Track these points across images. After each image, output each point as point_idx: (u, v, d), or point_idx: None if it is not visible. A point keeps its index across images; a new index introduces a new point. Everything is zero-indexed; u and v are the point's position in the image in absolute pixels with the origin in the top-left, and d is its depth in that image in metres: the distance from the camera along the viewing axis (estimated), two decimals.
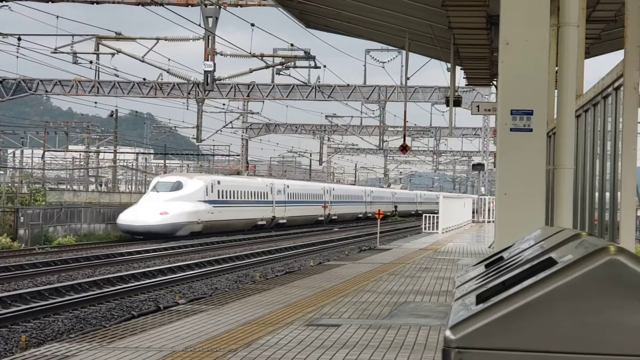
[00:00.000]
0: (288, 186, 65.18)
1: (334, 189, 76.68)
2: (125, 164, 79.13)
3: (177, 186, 49.03)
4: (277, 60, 48.49)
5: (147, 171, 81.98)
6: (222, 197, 52.61)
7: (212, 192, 51.08)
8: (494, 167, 17.91)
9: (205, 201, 49.94)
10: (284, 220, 63.11)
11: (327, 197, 73.04)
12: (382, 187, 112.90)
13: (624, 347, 2.88)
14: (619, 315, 2.88)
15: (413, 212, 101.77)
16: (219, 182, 52.97)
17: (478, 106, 30.30)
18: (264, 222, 59.23)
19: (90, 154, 76.50)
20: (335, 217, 75.12)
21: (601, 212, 14.05)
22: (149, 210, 46.29)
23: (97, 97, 58.79)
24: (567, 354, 2.90)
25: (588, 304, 2.90)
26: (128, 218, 46.30)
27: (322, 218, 71.23)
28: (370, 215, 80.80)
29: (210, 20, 38.58)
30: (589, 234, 3.55)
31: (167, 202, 47.16)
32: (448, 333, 2.98)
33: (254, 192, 58.00)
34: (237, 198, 54.99)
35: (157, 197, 47.90)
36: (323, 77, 72.29)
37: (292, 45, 48.04)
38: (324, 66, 49.17)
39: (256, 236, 51.46)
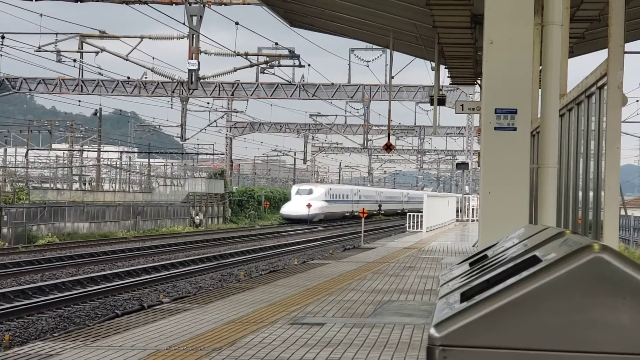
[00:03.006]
0: (359, 190, 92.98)
1: (382, 192, 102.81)
2: (109, 162, 78.83)
3: (310, 191, 77.25)
4: (262, 59, 48.47)
5: (131, 170, 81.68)
6: (332, 198, 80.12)
7: (328, 195, 79.18)
8: (478, 166, 17.93)
9: (325, 200, 77.84)
10: (357, 213, 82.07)
11: (379, 198, 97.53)
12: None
13: (608, 345, 2.88)
14: (603, 313, 2.88)
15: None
16: (331, 189, 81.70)
17: (462, 105, 30.31)
18: (348, 214, 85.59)
19: (74, 152, 76.22)
20: (383, 212, 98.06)
21: (585, 211, 14.09)
22: (299, 206, 74.89)
23: (80, 95, 58.65)
24: (552, 351, 2.90)
25: (572, 301, 2.90)
26: (288, 209, 76.21)
27: (376, 212, 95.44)
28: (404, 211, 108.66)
29: (194, 18, 38.56)
30: (573, 232, 3.55)
31: (309, 201, 74.89)
32: (432, 331, 2.98)
33: (344, 195, 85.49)
34: (338, 199, 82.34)
35: (302, 198, 76.02)
36: (307, 76, 73.35)
37: (276, 44, 48.00)
38: (309, 65, 49.17)
39: (241, 235, 51.72)
